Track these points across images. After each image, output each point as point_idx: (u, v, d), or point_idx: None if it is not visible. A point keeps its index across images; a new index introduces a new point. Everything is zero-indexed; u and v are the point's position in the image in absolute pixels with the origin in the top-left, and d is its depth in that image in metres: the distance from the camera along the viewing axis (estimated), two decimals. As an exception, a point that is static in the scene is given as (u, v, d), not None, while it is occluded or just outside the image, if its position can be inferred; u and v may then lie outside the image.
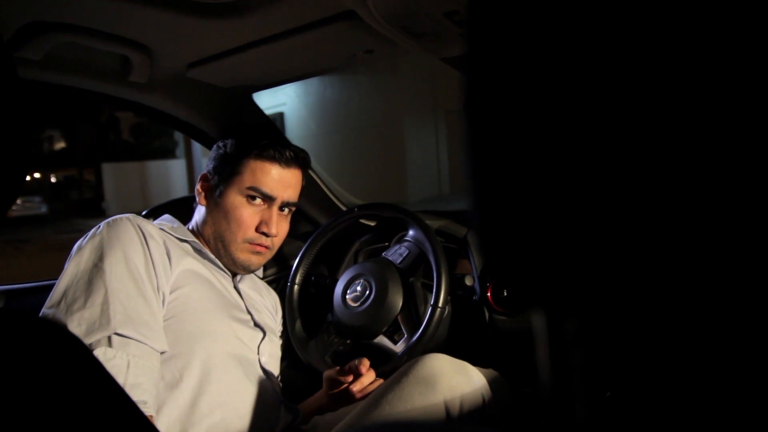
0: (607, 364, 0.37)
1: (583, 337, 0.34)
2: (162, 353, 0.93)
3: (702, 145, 0.22)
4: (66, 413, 0.39)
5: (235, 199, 1.14)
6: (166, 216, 1.19)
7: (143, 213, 1.36)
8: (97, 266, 0.92)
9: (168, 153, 19.77)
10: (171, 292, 0.99)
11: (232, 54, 1.18)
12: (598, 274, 0.27)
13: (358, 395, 1.13)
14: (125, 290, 0.90)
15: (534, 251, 0.28)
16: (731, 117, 0.22)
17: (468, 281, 1.33)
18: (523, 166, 0.27)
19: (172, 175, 17.41)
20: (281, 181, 1.17)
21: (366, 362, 1.15)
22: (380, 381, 1.13)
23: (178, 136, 16.85)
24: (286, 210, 1.21)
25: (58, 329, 0.43)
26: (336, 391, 1.16)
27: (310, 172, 1.64)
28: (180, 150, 17.86)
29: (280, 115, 10.31)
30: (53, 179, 27.58)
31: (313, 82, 9.60)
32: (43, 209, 20.13)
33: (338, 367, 1.18)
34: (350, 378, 1.14)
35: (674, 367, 0.32)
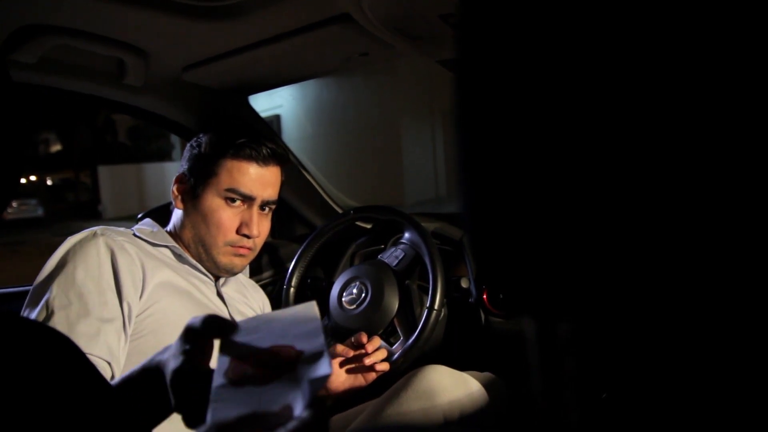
0: (601, 367, 0.37)
1: (575, 340, 0.34)
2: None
3: (690, 150, 0.23)
4: (60, 412, 0.39)
5: (213, 201, 1.10)
6: (147, 220, 1.16)
7: (139, 216, 1.35)
8: (47, 286, 0.92)
9: (164, 155, 19.75)
10: (144, 309, 0.96)
11: (227, 57, 1.18)
12: (590, 278, 0.27)
13: (378, 367, 1.15)
14: (64, 313, 0.89)
15: (526, 255, 0.28)
16: (722, 120, 0.22)
17: (464, 283, 1.33)
18: (514, 169, 0.27)
19: (168, 178, 17.28)
20: (260, 180, 1.12)
21: (364, 334, 1.17)
22: (384, 351, 1.17)
23: (175, 138, 16.83)
24: (267, 209, 1.16)
25: (51, 333, 0.43)
26: (345, 367, 1.17)
27: (306, 173, 1.64)
28: (176, 152, 17.84)
29: (277, 118, 10.29)
30: (49, 182, 27.50)
31: (309, 85, 9.57)
32: (40, 212, 20.09)
33: (339, 345, 1.18)
34: (352, 353, 1.16)
35: (669, 369, 0.32)
